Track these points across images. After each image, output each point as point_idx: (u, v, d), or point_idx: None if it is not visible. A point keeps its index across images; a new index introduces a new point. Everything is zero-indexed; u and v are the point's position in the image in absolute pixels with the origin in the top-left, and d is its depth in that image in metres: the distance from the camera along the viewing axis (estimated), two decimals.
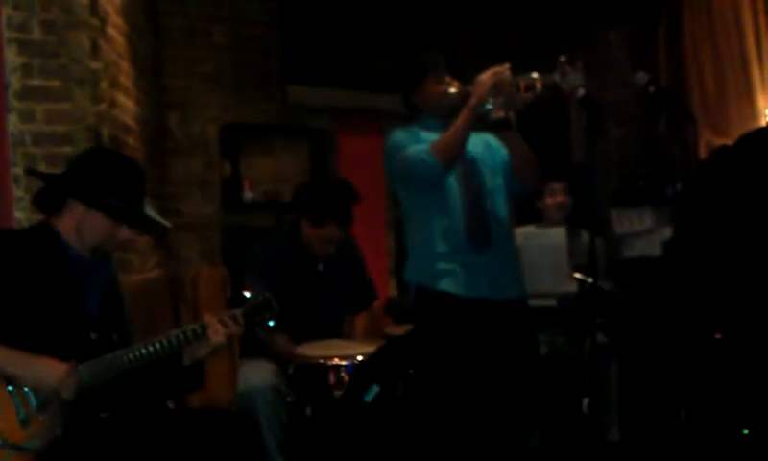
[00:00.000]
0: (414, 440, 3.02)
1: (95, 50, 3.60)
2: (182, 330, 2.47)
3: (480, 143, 2.97)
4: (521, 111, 2.78)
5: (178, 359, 2.52)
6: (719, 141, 5.14)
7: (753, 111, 5.19)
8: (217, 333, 2.49)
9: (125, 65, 4.09)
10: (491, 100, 2.74)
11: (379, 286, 4.17)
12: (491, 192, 2.95)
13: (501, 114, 2.76)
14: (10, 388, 2.23)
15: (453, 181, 2.88)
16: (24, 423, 2.24)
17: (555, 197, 4.24)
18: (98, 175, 2.47)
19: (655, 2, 5.81)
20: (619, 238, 5.24)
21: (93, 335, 2.40)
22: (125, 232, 2.53)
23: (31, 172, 2.78)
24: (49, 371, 2.25)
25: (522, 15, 6.17)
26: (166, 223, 2.71)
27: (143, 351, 2.40)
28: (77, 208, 2.45)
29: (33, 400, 2.26)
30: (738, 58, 5.27)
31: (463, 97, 2.83)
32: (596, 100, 2.63)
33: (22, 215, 3.44)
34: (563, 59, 2.61)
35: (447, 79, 2.95)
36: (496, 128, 2.84)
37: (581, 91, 2.60)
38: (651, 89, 2.85)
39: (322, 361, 3.20)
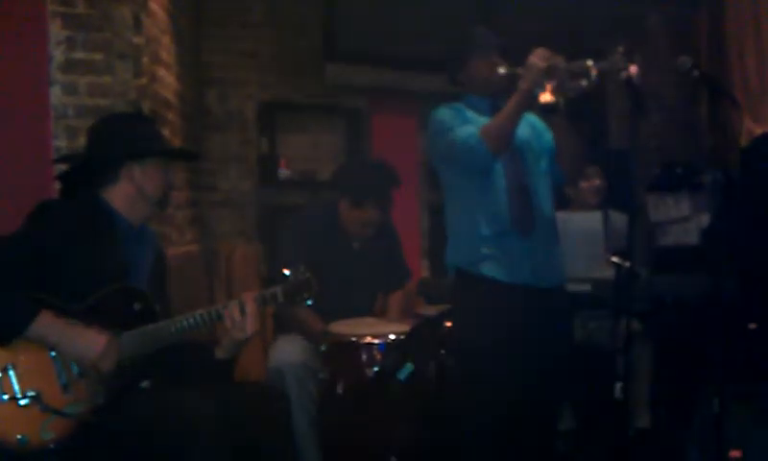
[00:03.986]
0: (445, 421, 3.04)
1: (137, 25, 3.63)
2: (223, 306, 2.51)
3: (526, 125, 2.88)
4: (571, 98, 2.70)
5: (210, 352, 2.56)
6: (760, 130, 5.06)
7: None
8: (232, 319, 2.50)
9: (166, 41, 4.12)
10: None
11: (413, 267, 4.18)
12: (535, 176, 2.89)
13: (550, 99, 2.67)
14: (53, 353, 2.28)
15: (498, 164, 2.81)
16: (65, 388, 2.29)
17: (591, 181, 4.22)
18: (135, 132, 2.57)
19: None
20: (655, 225, 5.20)
21: (137, 306, 2.44)
22: (172, 174, 2.67)
23: (69, 157, 2.86)
24: (89, 343, 2.30)
25: None
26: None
27: (184, 323, 2.44)
28: (133, 172, 2.52)
29: (74, 366, 2.31)
30: None
31: (511, 78, 2.78)
32: (637, 82, 2.58)
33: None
34: (620, 49, 2.56)
35: (496, 58, 2.87)
36: (544, 112, 2.79)
37: (624, 74, 2.56)
38: (695, 74, 2.80)
39: (354, 339, 3.22)
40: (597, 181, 4.23)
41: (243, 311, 2.48)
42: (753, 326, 3.74)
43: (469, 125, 2.80)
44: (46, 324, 2.25)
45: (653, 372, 3.97)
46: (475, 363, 2.83)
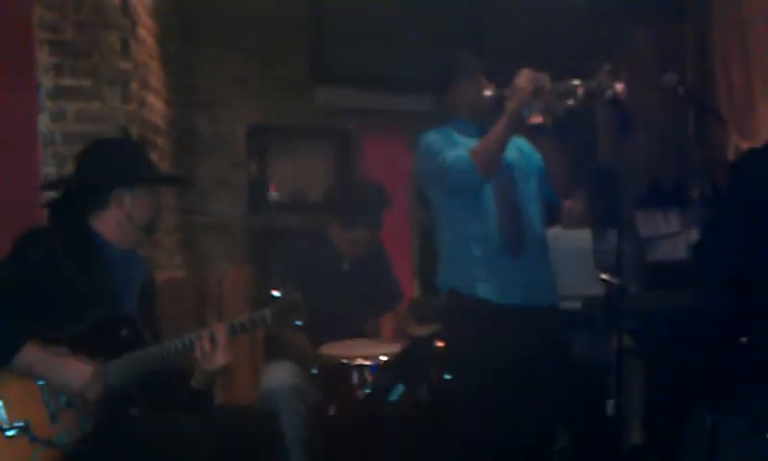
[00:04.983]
0: (439, 442, 3.03)
1: (126, 50, 3.64)
2: (196, 334, 2.49)
3: (514, 148, 2.90)
4: (559, 118, 2.73)
5: (186, 381, 2.55)
6: (747, 145, 5.08)
7: None
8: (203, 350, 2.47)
9: (154, 66, 4.13)
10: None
11: (403, 287, 4.18)
12: (525, 197, 2.91)
13: (538, 120, 2.71)
14: (40, 382, 2.27)
15: (488, 187, 2.83)
16: (53, 417, 2.27)
17: (568, 206, 4.23)
18: (124, 158, 2.57)
19: (682, 3, 5.77)
20: (644, 240, 5.20)
21: (124, 332, 2.43)
22: (160, 201, 2.67)
23: (57, 182, 2.87)
24: (74, 374, 2.28)
25: (547, 16, 6.14)
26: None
27: (171, 348, 2.43)
28: (123, 198, 2.51)
29: (62, 396, 2.29)
30: (767, 61, 5.22)
31: (498, 100, 2.80)
32: (624, 100, 2.60)
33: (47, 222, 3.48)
34: (606, 67, 2.57)
35: (482, 81, 2.90)
36: (532, 133, 2.80)
37: (609, 92, 2.58)
38: (680, 91, 2.82)
39: (345, 361, 3.21)
40: (575, 206, 4.24)
41: (214, 341, 2.47)
42: (743, 339, 3.74)
43: (458, 148, 2.81)
44: (31, 355, 2.24)
45: (645, 388, 3.96)
46: (470, 384, 2.83)
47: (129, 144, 2.77)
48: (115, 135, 3.53)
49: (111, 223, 2.53)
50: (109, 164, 2.54)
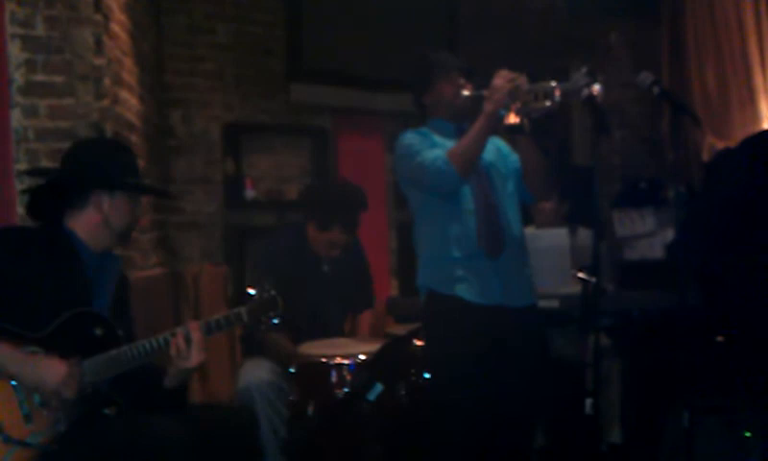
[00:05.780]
0: (419, 442, 3.02)
1: (99, 46, 3.59)
2: (171, 333, 2.47)
3: (492, 148, 2.92)
4: (535, 118, 2.73)
5: (159, 380, 2.53)
6: (722, 145, 5.13)
7: (755, 115, 5.19)
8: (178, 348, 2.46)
9: (128, 62, 4.08)
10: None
11: (381, 286, 4.17)
12: (503, 198, 2.92)
13: (515, 120, 2.71)
14: (13, 383, 2.23)
15: (466, 187, 2.84)
16: (27, 418, 2.24)
17: (541, 205, 4.25)
18: (111, 162, 2.53)
19: (657, 2, 5.81)
20: (620, 240, 5.23)
21: (98, 331, 2.40)
22: (141, 209, 2.63)
23: (43, 172, 2.82)
24: (50, 371, 2.25)
25: (523, 16, 6.16)
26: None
27: (147, 346, 2.41)
28: (102, 200, 2.49)
29: (36, 395, 2.26)
30: (741, 62, 5.27)
31: (475, 100, 2.80)
32: (600, 101, 2.61)
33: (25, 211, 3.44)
34: (584, 69, 2.58)
35: (460, 81, 2.90)
36: (509, 133, 2.80)
37: (585, 92, 2.58)
38: (655, 90, 2.83)
39: (324, 360, 3.19)
40: (548, 205, 4.26)
41: (188, 340, 2.45)
42: (720, 338, 3.77)
43: (436, 148, 2.82)
44: (4, 354, 2.21)
45: (623, 386, 3.98)
46: (449, 384, 2.83)
47: (117, 147, 2.72)
48: (94, 135, 3.49)
49: (87, 224, 2.50)
50: (92, 165, 2.51)
